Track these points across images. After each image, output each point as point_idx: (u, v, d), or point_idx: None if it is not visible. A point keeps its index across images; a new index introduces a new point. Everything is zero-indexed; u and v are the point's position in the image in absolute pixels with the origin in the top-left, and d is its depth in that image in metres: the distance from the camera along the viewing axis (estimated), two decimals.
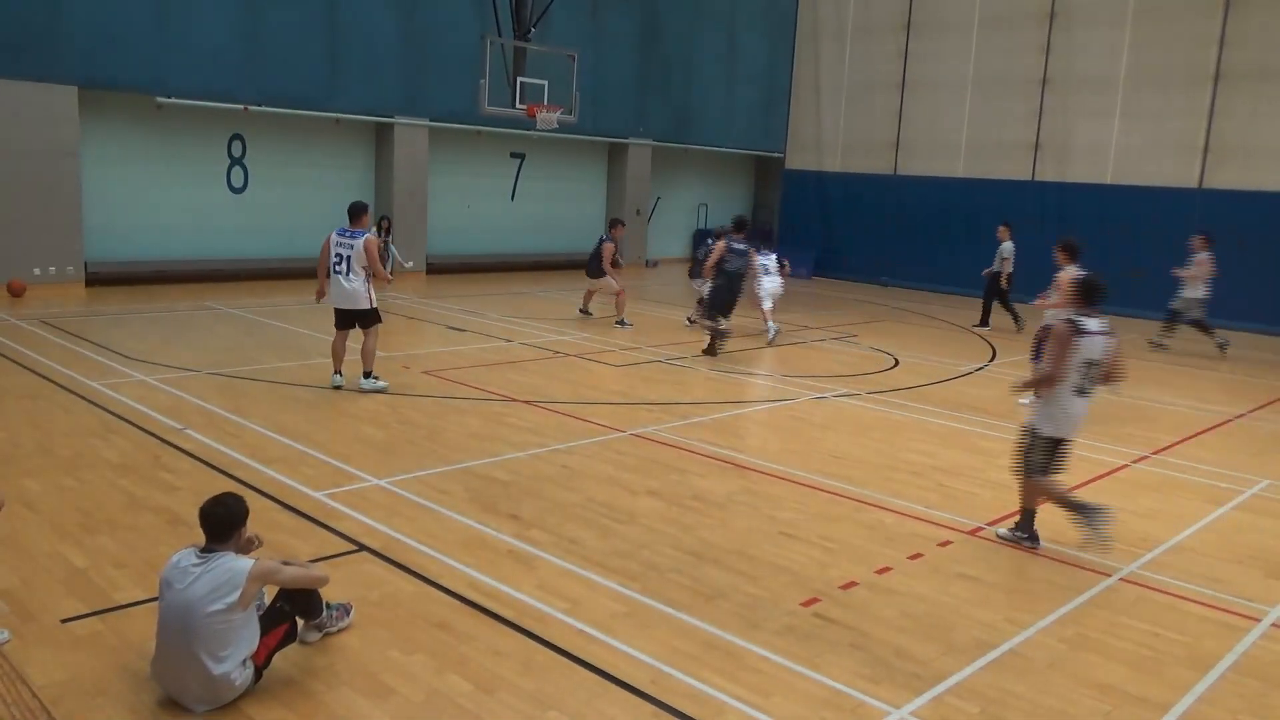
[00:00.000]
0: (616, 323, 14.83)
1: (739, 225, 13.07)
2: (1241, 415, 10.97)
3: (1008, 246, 16.10)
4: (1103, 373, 6.31)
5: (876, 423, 9.67)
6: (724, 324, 12.61)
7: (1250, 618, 5.55)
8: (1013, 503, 7.33)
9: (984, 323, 16.67)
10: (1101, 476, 8.21)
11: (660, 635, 4.91)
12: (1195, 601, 5.72)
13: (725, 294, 12.62)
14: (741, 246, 12.68)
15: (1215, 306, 18.26)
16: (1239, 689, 4.73)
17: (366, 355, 9.73)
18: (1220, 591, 5.88)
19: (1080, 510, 6.21)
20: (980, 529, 6.75)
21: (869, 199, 23.44)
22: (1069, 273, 9.80)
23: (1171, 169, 18.96)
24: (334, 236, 9.55)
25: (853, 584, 5.69)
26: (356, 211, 9.63)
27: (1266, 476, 8.45)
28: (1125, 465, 8.60)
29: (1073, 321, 6.21)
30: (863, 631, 5.08)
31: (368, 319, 9.67)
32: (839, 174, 24.12)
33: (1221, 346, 15.03)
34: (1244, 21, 17.98)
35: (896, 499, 7.29)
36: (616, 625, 4.99)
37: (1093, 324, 6.22)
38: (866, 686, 4.52)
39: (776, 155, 26.59)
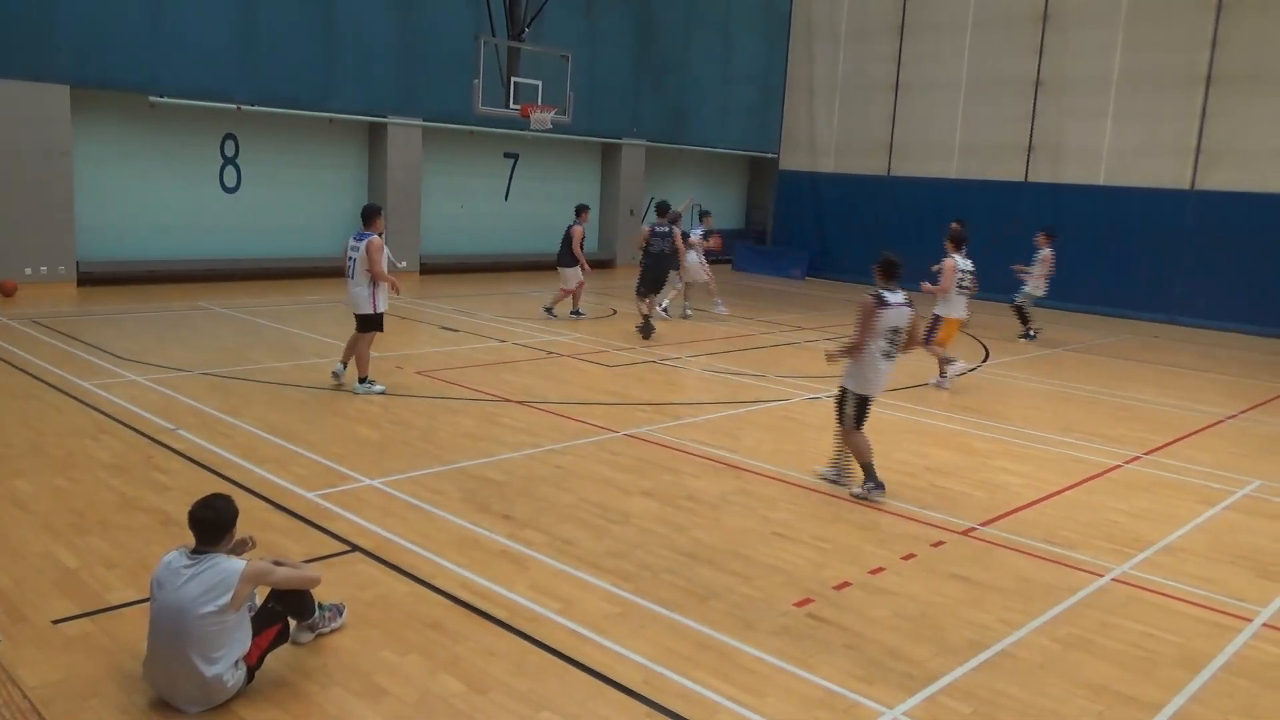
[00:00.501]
0: (572, 312, 15.22)
1: (661, 209, 14.55)
2: (1233, 416, 11.00)
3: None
4: (904, 340, 7.37)
5: (870, 423, 9.65)
6: (647, 306, 14.00)
7: (1242, 618, 5.56)
8: (1006, 502, 7.38)
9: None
10: (1094, 477, 8.24)
11: (653, 635, 4.91)
12: (1187, 601, 5.73)
13: (651, 273, 14.14)
14: (664, 229, 14.11)
15: (1211, 307, 18.42)
16: (1230, 689, 4.74)
17: (360, 360, 9.67)
18: (1212, 591, 5.90)
19: (868, 474, 7.25)
20: (974, 529, 6.76)
21: (863, 200, 23.46)
22: (952, 260, 11.23)
23: (1164, 170, 19.01)
24: (350, 240, 9.63)
25: (846, 584, 5.70)
26: (367, 215, 9.65)
27: (1258, 477, 8.48)
28: (1118, 465, 8.62)
29: (877, 296, 7.20)
30: (856, 632, 5.08)
31: (364, 324, 9.61)
32: (833, 175, 24.14)
33: (1031, 335, 15.48)
34: (1236, 24, 18.04)
35: (890, 499, 7.30)
36: (610, 626, 4.99)
37: (894, 297, 7.24)
38: (860, 687, 4.53)
39: (771, 156, 26.61)
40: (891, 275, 7.34)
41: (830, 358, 7.46)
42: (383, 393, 9.66)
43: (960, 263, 11.25)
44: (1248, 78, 17.94)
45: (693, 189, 27.20)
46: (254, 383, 9.96)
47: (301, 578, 4.40)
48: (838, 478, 7.59)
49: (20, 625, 4.67)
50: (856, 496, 7.27)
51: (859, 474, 7.39)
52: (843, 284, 23.08)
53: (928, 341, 10.94)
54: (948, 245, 11.38)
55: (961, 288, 11.31)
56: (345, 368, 9.88)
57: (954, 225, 12.00)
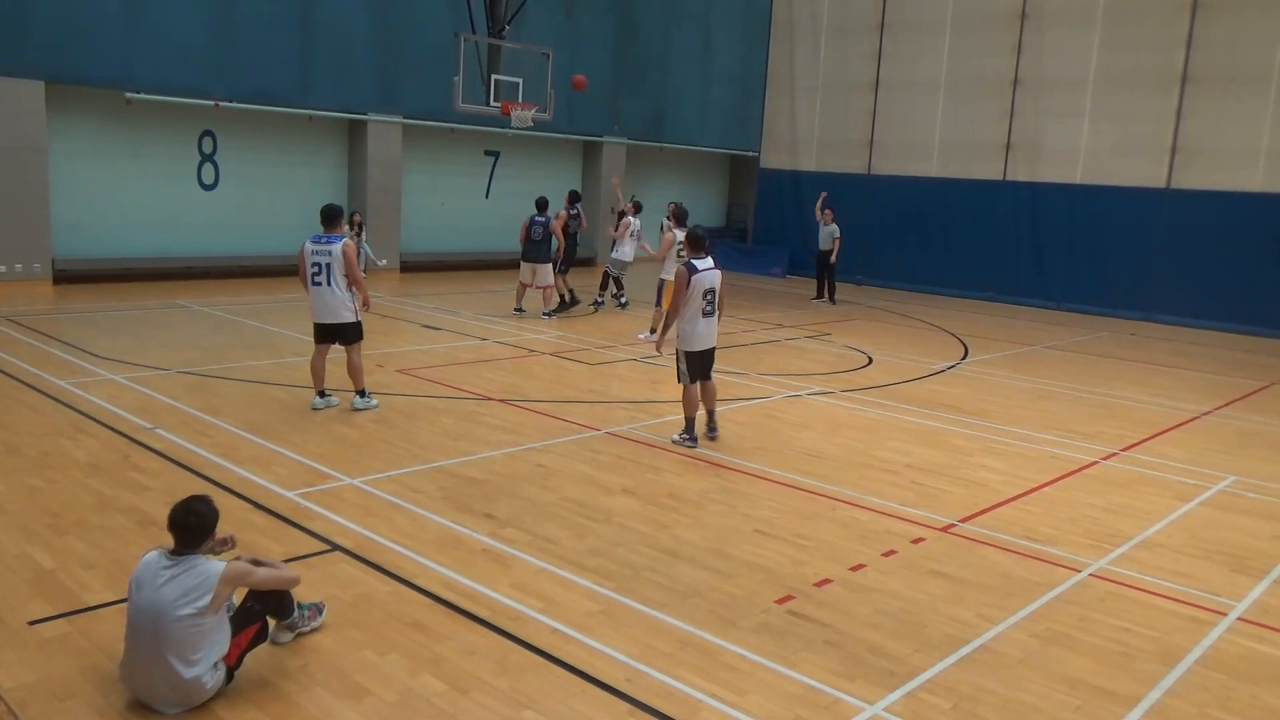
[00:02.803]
0: (545, 314, 15.26)
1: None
2: (1208, 412, 11.12)
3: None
4: (719, 298, 8.35)
5: (851, 421, 9.72)
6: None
7: (1217, 612, 5.63)
8: (985, 499, 7.43)
9: None
10: (1071, 473, 8.30)
11: (636, 634, 4.92)
12: (1163, 596, 5.79)
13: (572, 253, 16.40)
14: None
15: (1187, 305, 18.61)
16: (1205, 682, 4.80)
17: (354, 372, 9.03)
18: (1188, 586, 5.97)
19: (688, 427, 8.40)
20: (953, 526, 6.81)
21: (843, 198, 23.52)
22: (673, 234, 12.99)
23: (1140, 169, 19.18)
24: (308, 245, 8.74)
25: (827, 581, 5.72)
26: (330, 215, 8.84)
27: (1233, 473, 8.58)
28: (1095, 462, 8.70)
29: (688, 265, 8.19)
30: (837, 629, 5.11)
31: (349, 334, 8.93)
32: (814, 173, 24.20)
33: (616, 304, 16.65)
34: (1211, 25, 18.22)
35: (871, 496, 7.34)
36: (592, 624, 4.99)
37: (703, 264, 8.23)
38: (841, 683, 4.55)
39: (751, 154, 26.66)
40: (699, 245, 8.37)
41: (660, 342, 8.66)
42: (377, 407, 9.10)
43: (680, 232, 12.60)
44: (1223, 78, 18.13)
45: (673, 187, 27.24)
46: (233, 381, 9.89)
47: (281, 578, 4.38)
48: (687, 440, 8.41)
49: None
50: (673, 443, 8.36)
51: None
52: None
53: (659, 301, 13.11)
54: (672, 221, 13.23)
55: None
56: (324, 398, 9.07)
57: (676, 205, 13.52)
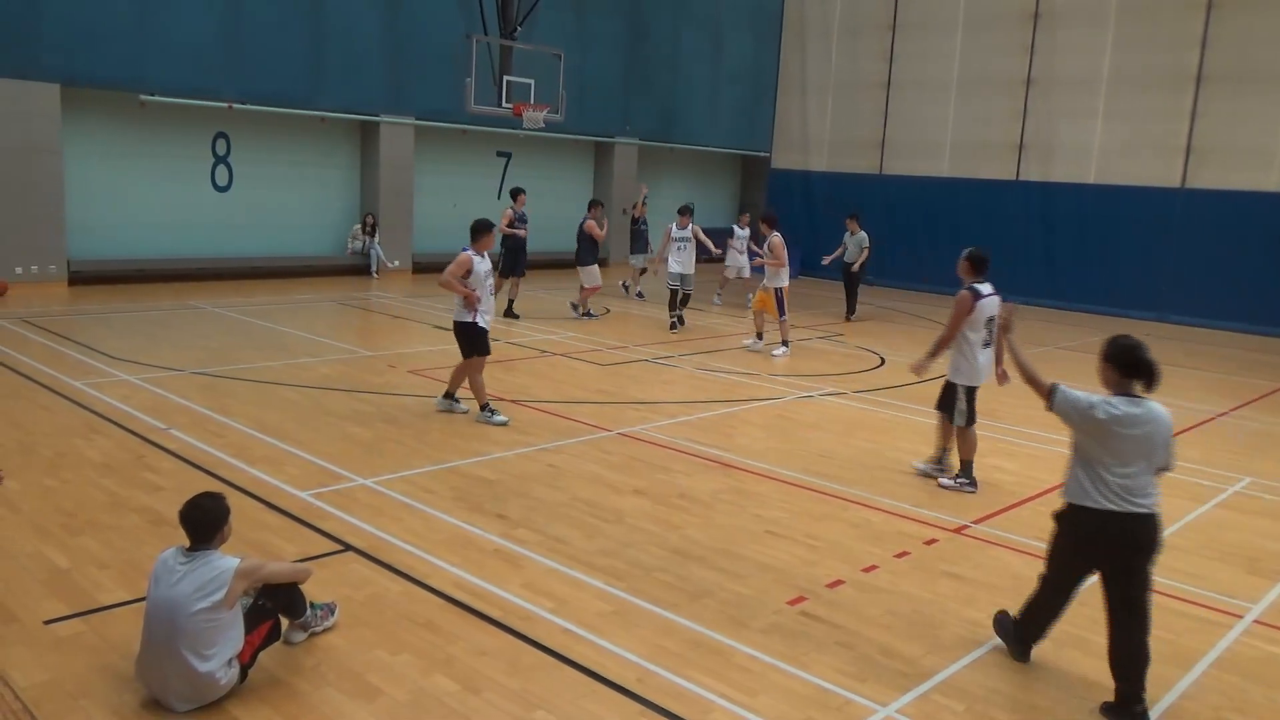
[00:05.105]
0: (584, 314, 15.41)
1: (513, 193, 15.73)
2: (1223, 414, 11.05)
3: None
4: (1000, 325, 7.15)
5: (863, 421, 9.70)
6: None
7: (1232, 614, 5.59)
8: (998, 500, 7.40)
9: None
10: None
11: (646, 634, 4.91)
12: (1178, 598, 5.76)
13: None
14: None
15: (1200, 305, 18.49)
16: (1220, 685, 4.77)
17: (471, 388, 8.91)
18: (1202, 588, 5.93)
19: (966, 470, 7.64)
20: (966, 527, 6.78)
21: (854, 198, 23.46)
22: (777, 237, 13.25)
23: (1154, 169, 19.08)
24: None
25: (839, 582, 5.71)
26: (471, 230, 9.02)
27: (1248, 474, 8.52)
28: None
29: (973, 289, 7.49)
30: (849, 630, 5.09)
31: (459, 344, 8.86)
32: (824, 173, 24.16)
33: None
34: (1225, 23, 18.11)
35: (883, 497, 7.32)
36: (603, 624, 4.99)
37: (986, 288, 7.57)
38: (853, 685, 4.54)
39: (762, 154, 26.61)
40: (981, 269, 7.63)
41: (919, 366, 7.80)
42: (505, 424, 8.75)
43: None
44: (1236, 77, 18.02)
45: (684, 188, 27.24)
46: (246, 382, 9.93)
47: (294, 570, 4.45)
48: (937, 472, 7.87)
49: (11, 625, 4.65)
50: (944, 486, 7.63)
51: (955, 466, 7.79)
52: (834, 282, 23.06)
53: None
54: (764, 226, 13.59)
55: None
56: (449, 400, 9.01)
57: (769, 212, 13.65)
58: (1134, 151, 19.28)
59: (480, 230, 9.02)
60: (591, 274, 15.52)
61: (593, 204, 16.73)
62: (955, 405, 7.65)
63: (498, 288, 14.62)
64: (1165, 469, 4.63)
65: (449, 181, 21.68)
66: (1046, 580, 4.76)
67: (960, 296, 7.54)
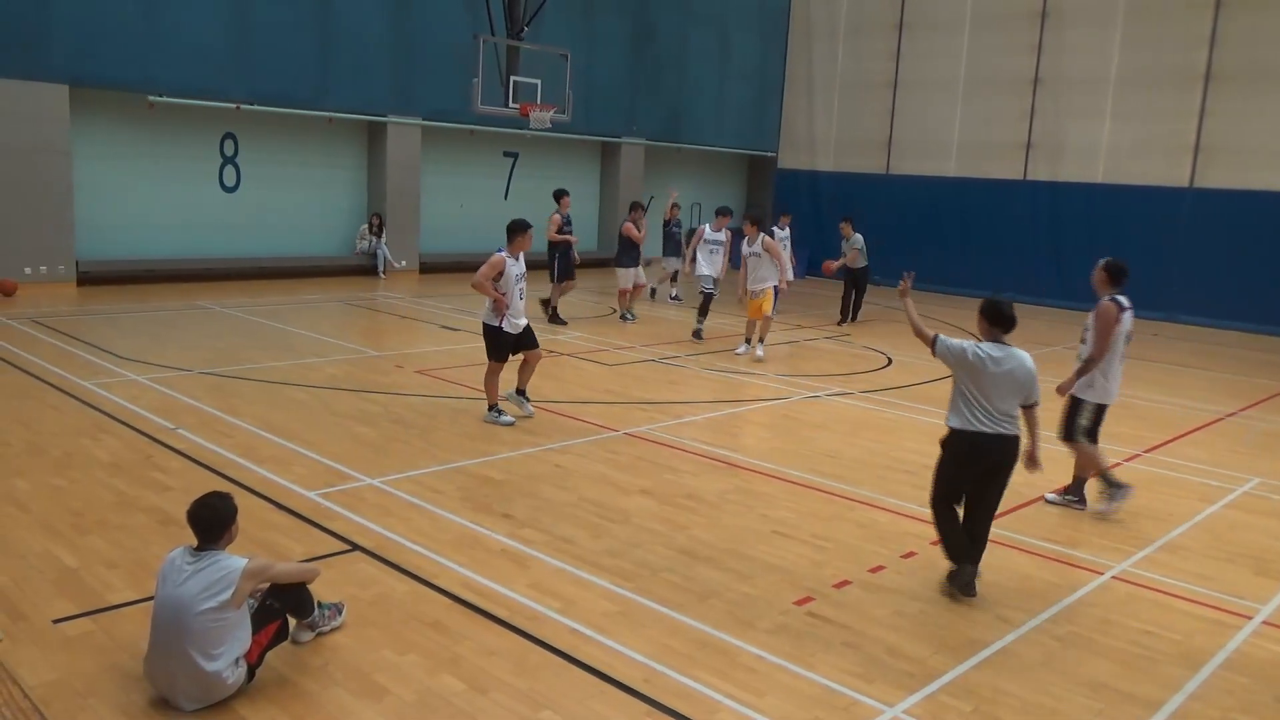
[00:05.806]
0: (621, 316, 15.25)
1: (558, 195, 15.10)
2: (1232, 414, 11.01)
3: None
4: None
5: (870, 421, 9.69)
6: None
7: (1241, 615, 5.57)
8: (1006, 500, 7.34)
9: None
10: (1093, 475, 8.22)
11: (653, 634, 4.91)
12: (1186, 599, 5.74)
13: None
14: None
15: (1209, 305, 18.43)
16: (1229, 686, 4.75)
17: (484, 386, 8.95)
18: (1211, 589, 5.91)
19: (1110, 482, 7.15)
20: None
21: (861, 198, 23.44)
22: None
23: (1162, 168, 19.01)
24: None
25: (846, 583, 5.70)
26: (508, 230, 8.80)
27: (1257, 474, 8.49)
28: (1117, 464, 8.61)
29: (1115, 301, 7.13)
30: (856, 630, 5.09)
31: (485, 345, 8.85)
32: (831, 173, 24.13)
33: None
34: (1234, 22, 18.05)
35: (890, 498, 7.31)
36: (609, 624, 4.99)
37: (1127, 300, 7.22)
38: (860, 685, 4.53)
39: (769, 154, 26.59)
40: (1120, 280, 7.21)
41: (1067, 388, 7.28)
42: (509, 424, 8.74)
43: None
44: (1245, 76, 17.95)
45: (691, 188, 27.20)
46: (253, 382, 9.95)
47: (301, 570, 4.47)
48: (1076, 502, 7.36)
49: (20, 624, 4.67)
50: (1101, 512, 7.14)
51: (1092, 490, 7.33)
52: (841, 282, 23.03)
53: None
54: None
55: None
56: (496, 412, 8.84)
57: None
58: (1142, 151, 19.22)
59: (516, 230, 8.66)
60: (625, 276, 15.26)
61: (634, 206, 16.04)
62: (1077, 421, 7.20)
63: (557, 294, 14.71)
64: (1033, 403, 5.59)
65: (456, 182, 21.71)
66: (938, 498, 5.66)
67: (1104, 308, 7.06)
